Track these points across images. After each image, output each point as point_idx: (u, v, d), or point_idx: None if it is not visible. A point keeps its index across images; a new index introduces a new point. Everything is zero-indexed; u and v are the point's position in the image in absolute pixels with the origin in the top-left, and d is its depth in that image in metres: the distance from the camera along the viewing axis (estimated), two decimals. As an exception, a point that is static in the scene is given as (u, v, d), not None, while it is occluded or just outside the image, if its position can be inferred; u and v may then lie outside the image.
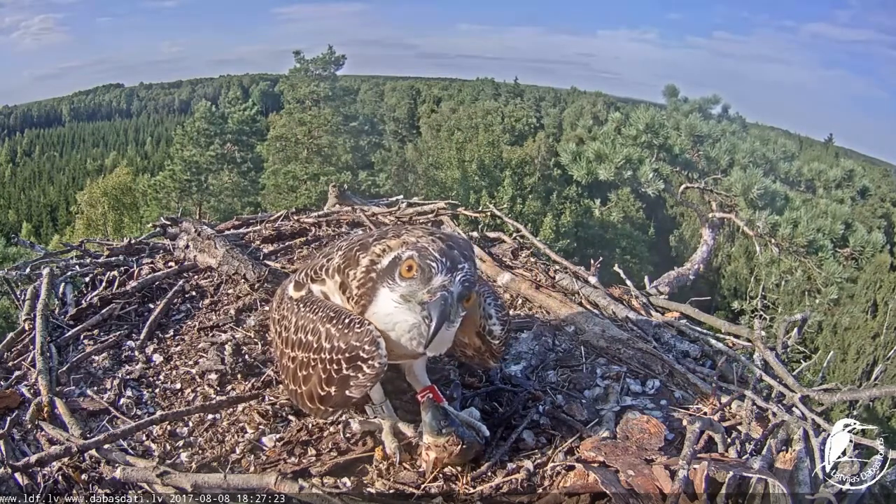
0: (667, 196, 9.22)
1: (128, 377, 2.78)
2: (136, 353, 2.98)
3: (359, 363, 2.02)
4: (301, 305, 2.26)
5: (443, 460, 2.23)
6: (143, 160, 50.48)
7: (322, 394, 2.12)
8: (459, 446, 2.20)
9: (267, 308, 3.37)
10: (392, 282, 2.00)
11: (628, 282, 3.85)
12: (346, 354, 2.03)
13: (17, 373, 2.69)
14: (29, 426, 2.37)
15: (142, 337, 3.07)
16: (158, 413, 2.48)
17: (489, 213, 5.08)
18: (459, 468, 2.26)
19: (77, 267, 3.72)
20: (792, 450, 2.23)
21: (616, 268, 4.22)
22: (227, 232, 4.45)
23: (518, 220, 5.05)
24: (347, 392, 2.07)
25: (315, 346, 2.11)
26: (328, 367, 2.07)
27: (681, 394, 2.79)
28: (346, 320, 2.07)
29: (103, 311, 3.20)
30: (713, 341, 3.10)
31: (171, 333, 3.18)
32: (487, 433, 2.36)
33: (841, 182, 7.69)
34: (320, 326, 2.12)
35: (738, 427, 2.44)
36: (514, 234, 4.66)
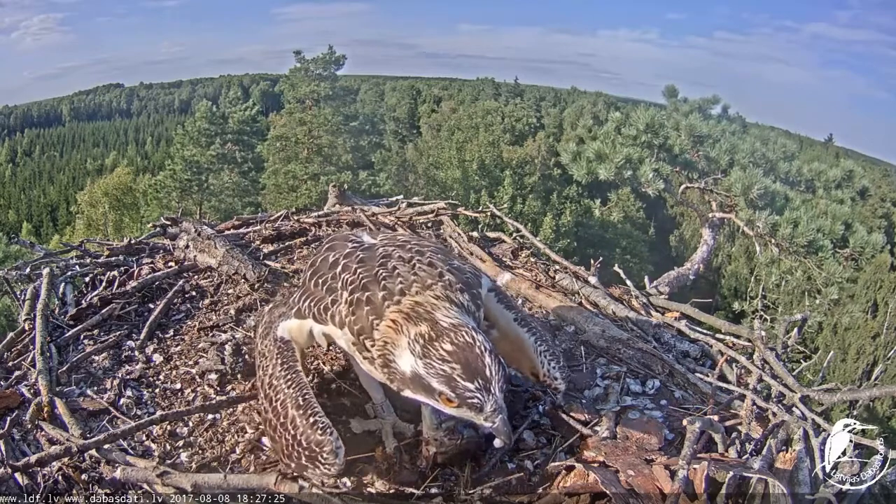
0: (667, 196, 9.22)
1: (128, 377, 2.78)
2: (136, 353, 2.97)
3: (317, 463, 2.01)
4: (279, 362, 2.22)
5: (441, 454, 2.24)
6: (143, 160, 50.52)
7: (284, 460, 2.13)
8: (458, 441, 2.21)
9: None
10: (435, 401, 1.90)
11: (628, 282, 3.84)
12: (306, 453, 2.02)
13: (17, 373, 2.69)
14: (29, 426, 2.37)
15: (142, 337, 3.06)
16: (158, 413, 2.48)
17: (489, 213, 5.08)
18: (459, 468, 2.26)
19: (77, 267, 3.72)
20: (792, 450, 2.23)
21: (616, 268, 4.21)
22: (227, 232, 4.45)
23: (518, 220, 5.04)
24: (305, 474, 2.07)
25: (282, 420, 2.11)
26: (289, 448, 2.07)
27: (681, 394, 2.79)
28: (310, 419, 2.04)
29: (103, 311, 3.20)
30: (713, 341, 3.10)
31: (171, 333, 3.18)
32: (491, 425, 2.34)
33: (841, 182, 7.69)
34: (288, 405, 2.10)
35: (738, 427, 2.44)
36: (514, 234, 4.66)
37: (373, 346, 2.00)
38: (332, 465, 1.98)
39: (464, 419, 1.95)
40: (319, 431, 2.00)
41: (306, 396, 2.10)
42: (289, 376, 2.17)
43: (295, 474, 2.11)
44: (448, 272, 2.12)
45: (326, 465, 1.98)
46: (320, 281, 2.23)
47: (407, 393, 1.98)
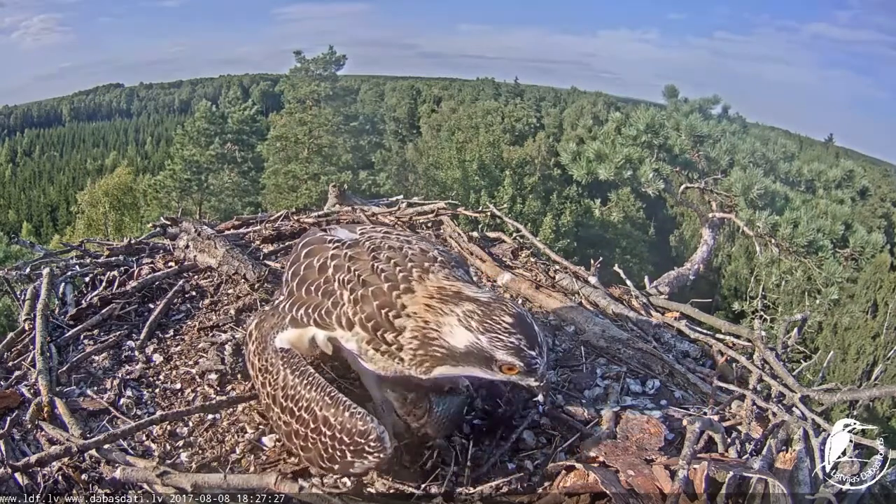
0: (667, 196, 9.22)
1: (128, 377, 2.78)
2: (136, 353, 2.97)
3: (364, 454, 2.01)
4: (289, 371, 2.17)
5: (422, 426, 2.25)
6: (143, 160, 50.48)
7: (324, 465, 2.11)
8: (427, 407, 2.23)
9: (267, 308, 3.37)
10: (489, 370, 1.97)
11: (628, 282, 3.84)
12: (351, 448, 2.01)
13: (17, 373, 2.69)
14: (29, 426, 2.37)
15: (142, 337, 3.06)
16: (158, 413, 2.48)
17: (489, 213, 5.08)
18: (458, 468, 2.27)
19: (77, 267, 3.72)
20: (792, 450, 2.23)
21: (616, 268, 4.21)
22: (227, 232, 4.44)
23: (518, 220, 5.04)
24: (351, 470, 2.08)
25: (312, 426, 2.07)
26: (330, 450, 2.04)
27: (681, 394, 2.79)
28: (346, 413, 2.02)
29: (103, 311, 3.20)
30: (713, 341, 3.10)
31: (171, 333, 3.18)
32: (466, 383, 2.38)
33: (841, 182, 7.69)
34: (315, 409, 2.07)
35: (738, 427, 2.44)
36: (514, 234, 4.66)
37: (397, 336, 2.02)
38: (381, 452, 1.99)
39: (510, 382, 2.05)
40: (360, 422, 2.00)
41: (332, 394, 2.08)
42: (305, 380, 2.13)
43: (333, 474, 2.12)
44: (439, 254, 2.19)
45: (376, 452, 1.99)
46: (312, 287, 2.20)
47: (440, 372, 2.02)
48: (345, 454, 2.02)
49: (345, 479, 2.21)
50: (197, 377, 2.83)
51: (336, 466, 2.07)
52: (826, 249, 6.78)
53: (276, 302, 2.44)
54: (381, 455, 2.00)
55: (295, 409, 2.12)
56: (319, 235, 2.42)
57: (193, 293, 3.56)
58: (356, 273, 2.12)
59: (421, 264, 2.10)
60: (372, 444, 1.99)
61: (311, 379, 2.13)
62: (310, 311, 2.18)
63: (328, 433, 2.04)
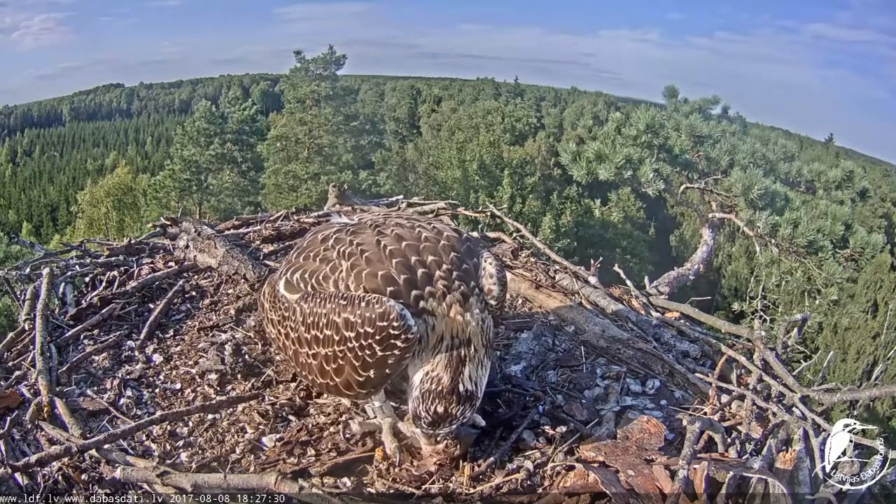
0: (667, 196, 9.21)
1: (128, 377, 2.78)
2: (136, 353, 2.98)
3: (391, 341, 2.00)
4: (303, 303, 2.20)
5: (446, 460, 2.27)
6: (143, 160, 50.50)
7: (361, 379, 2.09)
8: (457, 447, 2.24)
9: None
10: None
11: (628, 282, 3.85)
12: (377, 337, 2.00)
13: (17, 373, 2.69)
14: (29, 426, 2.38)
15: (142, 337, 3.07)
16: (158, 413, 2.48)
17: (489, 213, 5.08)
18: (459, 469, 2.27)
19: (77, 267, 3.72)
20: (792, 450, 2.23)
21: (616, 268, 4.21)
22: (227, 232, 4.45)
23: (518, 220, 5.05)
24: (386, 371, 2.07)
25: (337, 338, 2.07)
26: (360, 353, 2.04)
27: (681, 394, 2.79)
28: (362, 304, 2.03)
29: (103, 311, 3.20)
30: (713, 341, 3.10)
31: (171, 333, 3.18)
32: (483, 423, 2.39)
33: (841, 183, 7.68)
34: (335, 318, 2.07)
35: (738, 427, 2.44)
36: (514, 234, 4.66)
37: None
38: (407, 331, 1.99)
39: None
40: (377, 306, 2.00)
41: (344, 295, 2.08)
42: (317, 299, 2.14)
43: (371, 388, 2.14)
44: (454, 241, 2.21)
45: (402, 334, 1.99)
46: (311, 254, 2.28)
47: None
48: (374, 351, 2.01)
49: (345, 479, 2.21)
50: (197, 377, 2.83)
51: (372, 373, 2.06)
52: (826, 250, 6.77)
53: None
54: (409, 335, 1.99)
55: (319, 335, 2.12)
56: (330, 222, 2.55)
57: (193, 293, 3.57)
58: (358, 246, 2.16)
59: (440, 265, 2.11)
60: (395, 324, 1.98)
61: (321, 296, 2.14)
62: (305, 275, 2.23)
63: (353, 335, 2.03)
